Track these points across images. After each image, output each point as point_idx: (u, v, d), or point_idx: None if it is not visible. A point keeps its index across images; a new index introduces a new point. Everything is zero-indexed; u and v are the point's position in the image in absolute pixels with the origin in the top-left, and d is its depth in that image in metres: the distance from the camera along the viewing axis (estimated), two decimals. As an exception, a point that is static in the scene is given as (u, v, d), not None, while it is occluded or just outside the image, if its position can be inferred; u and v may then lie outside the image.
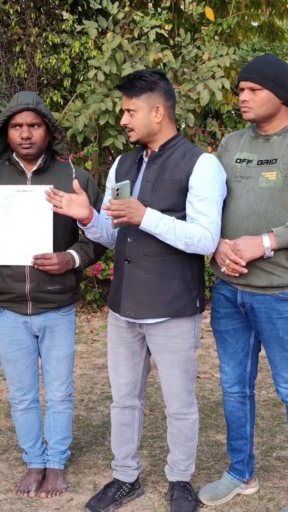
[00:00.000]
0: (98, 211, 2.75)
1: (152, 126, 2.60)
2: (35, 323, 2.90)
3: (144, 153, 2.71)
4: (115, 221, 2.47)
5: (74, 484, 3.12)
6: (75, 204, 2.55)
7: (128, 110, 2.61)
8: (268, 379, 4.47)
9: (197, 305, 2.69)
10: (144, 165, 2.68)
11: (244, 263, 2.54)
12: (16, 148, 2.75)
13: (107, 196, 2.79)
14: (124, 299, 2.67)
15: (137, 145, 2.76)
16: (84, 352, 5.22)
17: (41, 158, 2.81)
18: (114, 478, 3.00)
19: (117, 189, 2.43)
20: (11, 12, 5.94)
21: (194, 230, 2.52)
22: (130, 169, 2.72)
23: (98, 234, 2.68)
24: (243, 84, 2.59)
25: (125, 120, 2.62)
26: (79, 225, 2.67)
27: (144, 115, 2.58)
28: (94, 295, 6.24)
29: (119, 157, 2.86)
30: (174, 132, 2.68)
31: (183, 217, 2.59)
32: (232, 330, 2.80)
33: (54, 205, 2.56)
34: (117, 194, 2.44)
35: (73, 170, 2.89)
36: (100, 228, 2.66)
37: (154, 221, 2.49)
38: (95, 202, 2.89)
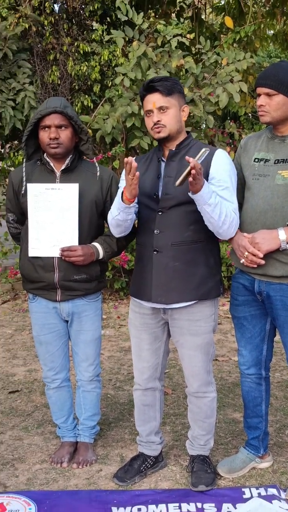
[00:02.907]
0: None
1: (181, 123, 2.63)
2: (64, 309, 2.90)
3: (161, 153, 2.69)
4: (187, 178, 2.36)
5: (103, 456, 3.12)
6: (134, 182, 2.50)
7: (161, 108, 2.57)
8: (282, 362, 4.41)
9: (220, 288, 2.70)
10: (162, 164, 2.66)
11: (261, 255, 2.53)
12: (45, 148, 2.75)
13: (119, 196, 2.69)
14: (155, 287, 2.65)
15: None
16: (112, 336, 5.22)
17: (68, 158, 2.80)
18: (139, 452, 3.00)
19: (203, 153, 2.36)
20: (46, 23, 5.94)
21: (229, 211, 2.51)
22: (149, 168, 2.70)
23: (131, 216, 2.64)
24: (259, 89, 2.57)
25: (157, 117, 2.58)
26: (122, 203, 2.57)
27: (176, 113, 2.59)
28: (121, 284, 6.24)
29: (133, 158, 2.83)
30: (185, 134, 2.70)
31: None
32: (249, 316, 2.78)
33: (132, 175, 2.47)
34: (199, 158, 2.36)
35: (98, 168, 2.88)
36: (134, 212, 2.65)
37: (210, 192, 2.45)
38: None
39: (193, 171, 2.30)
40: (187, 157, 2.31)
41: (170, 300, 2.64)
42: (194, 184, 2.38)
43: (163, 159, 2.66)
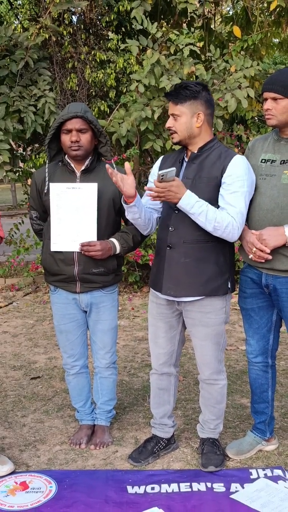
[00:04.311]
0: None
1: (193, 130, 2.58)
2: (83, 300, 2.91)
3: (185, 154, 2.68)
4: (153, 200, 2.52)
5: (119, 439, 3.14)
6: (126, 183, 2.55)
7: (173, 115, 2.59)
8: (287, 351, 4.39)
9: (229, 286, 2.68)
10: (184, 164, 2.66)
11: (268, 251, 2.53)
12: (67, 150, 2.76)
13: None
14: (166, 280, 2.66)
15: (178, 147, 2.74)
16: (126, 326, 5.23)
17: (88, 159, 2.81)
18: (152, 434, 3.00)
19: (162, 175, 2.42)
20: (65, 34, 5.94)
21: (223, 217, 2.49)
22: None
23: (137, 215, 2.65)
24: (266, 94, 2.56)
25: (169, 123, 2.61)
26: (123, 204, 2.64)
27: (186, 120, 2.57)
28: (135, 278, 6.24)
29: (162, 156, 2.83)
30: (211, 136, 2.64)
31: None
32: (257, 308, 2.77)
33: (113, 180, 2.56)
34: (162, 179, 2.43)
35: (116, 170, 2.87)
36: (140, 210, 2.64)
37: (190, 202, 2.48)
38: None
39: (151, 193, 2.48)
40: (128, 171, 2.50)
41: (179, 293, 2.64)
42: (164, 200, 2.51)
43: (186, 160, 2.66)
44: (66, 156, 2.82)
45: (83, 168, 2.81)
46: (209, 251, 2.61)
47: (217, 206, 2.56)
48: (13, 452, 3.01)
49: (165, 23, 6.81)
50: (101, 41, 6.26)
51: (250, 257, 2.62)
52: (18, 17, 7.32)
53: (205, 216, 2.48)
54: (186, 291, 2.63)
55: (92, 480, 2.72)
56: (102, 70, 5.96)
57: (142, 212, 2.66)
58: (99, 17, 6.25)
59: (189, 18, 6.87)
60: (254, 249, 2.56)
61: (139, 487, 2.66)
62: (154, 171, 2.78)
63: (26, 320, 5.52)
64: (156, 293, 2.76)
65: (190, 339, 2.81)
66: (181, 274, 2.62)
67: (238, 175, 2.52)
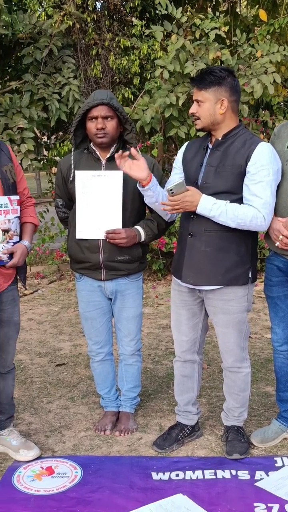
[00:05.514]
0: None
1: (216, 116, 2.55)
2: (108, 287, 2.92)
3: (209, 140, 2.66)
4: (173, 213, 2.60)
5: (143, 425, 3.16)
6: (135, 167, 2.57)
7: (197, 101, 2.57)
8: (312, 339, 4.36)
9: (249, 276, 2.65)
10: (208, 151, 2.63)
11: None
12: (92, 137, 2.76)
13: (174, 175, 2.77)
14: (186, 268, 2.66)
15: (202, 133, 2.72)
16: (150, 314, 5.24)
17: (113, 147, 2.80)
18: (177, 421, 3.01)
19: (171, 189, 2.46)
20: (89, 20, 5.93)
21: (246, 212, 2.47)
22: (196, 155, 2.68)
23: (154, 198, 2.66)
24: None
25: (193, 109, 2.59)
26: (138, 187, 2.66)
27: (210, 106, 2.54)
28: (159, 266, 6.24)
29: (187, 142, 2.81)
30: (236, 123, 2.61)
31: (240, 199, 2.53)
32: (283, 296, 2.75)
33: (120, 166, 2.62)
34: (172, 193, 2.47)
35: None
36: (156, 194, 2.65)
37: (208, 206, 2.49)
38: (160, 184, 2.86)
39: (167, 208, 2.54)
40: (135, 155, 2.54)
41: (198, 282, 2.64)
42: (183, 211, 2.56)
43: (210, 147, 2.64)
44: (91, 143, 2.82)
45: (108, 155, 2.80)
46: (230, 240, 2.58)
47: (240, 194, 2.53)
48: (39, 437, 3.05)
49: (190, 8, 6.72)
50: (125, 27, 6.23)
51: (276, 244, 2.59)
52: (42, 4, 7.31)
53: (225, 216, 2.48)
54: (205, 280, 2.63)
55: (117, 466, 2.75)
56: (126, 56, 5.94)
57: (160, 196, 2.66)
58: (123, 3, 6.22)
59: (214, 2, 6.80)
60: (281, 236, 2.54)
61: (164, 474, 2.68)
62: (179, 158, 2.77)
63: (51, 307, 5.57)
64: (178, 281, 2.76)
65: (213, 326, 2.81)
66: (201, 262, 2.61)
67: (263, 164, 2.48)
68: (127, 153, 2.59)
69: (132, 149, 2.57)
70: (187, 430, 2.97)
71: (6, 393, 2.89)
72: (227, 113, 2.56)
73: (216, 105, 2.53)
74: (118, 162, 2.60)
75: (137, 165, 2.59)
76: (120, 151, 2.61)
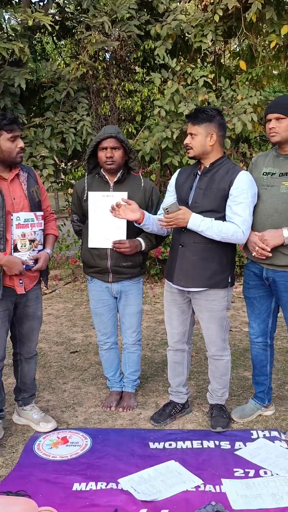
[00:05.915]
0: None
1: (206, 148, 2.57)
2: (114, 288, 2.92)
3: (198, 168, 2.67)
4: (168, 228, 2.59)
5: (142, 403, 3.15)
6: (129, 210, 2.60)
7: (191, 134, 2.57)
8: (282, 333, 4.35)
9: (229, 281, 2.66)
10: (198, 177, 2.64)
11: (269, 249, 2.51)
12: (103, 164, 2.77)
13: (168, 197, 2.76)
14: (177, 273, 2.66)
15: (192, 161, 2.73)
16: (149, 311, 5.23)
17: (120, 172, 2.81)
18: (170, 400, 3.00)
19: (166, 209, 2.47)
20: (99, 68, 5.94)
21: (228, 227, 2.48)
22: (186, 180, 2.69)
23: (150, 229, 2.70)
24: (270, 116, 2.53)
25: (187, 140, 2.60)
26: (135, 224, 2.67)
27: (201, 139, 2.55)
28: (156, 270, 6.23)
29: (179, 169, 2.82)
30: (221, 154, 2.63)
31: (223, 217, 2.54)
32: (258, 297, 2.75)
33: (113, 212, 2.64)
34: (167, 212, 2.47)
35: (142, 180, 2.88)
36: (151, 225, 2.68)
37: (196, 223, 2.49)
38: (157, 204, 2.88)
39: (163, 224, 2.53)
40: (126, 201, 2.58)
41: (187, 284, 2.64)
42: (176, 227, 2.55)
43: (199, 173, 2.65)
44: (101, 169, 2.83)
45: (115, 179, 2.82)
46: (214, 251, 2.59)
47: (223, 213, 2.54)
48: (55, 412, 3.04)
49: (183, 59, 6.76)
50: (129, 74, 6.25)
51: (253, 254, 2.60)
52: (61, 55, 7.37)
53: (211, 230, 2.49)
54: (193, 283, 2.62)
55: (120, 437, 2.74)
56: (130, 98, 5.95)
57: (154, 226, 2.69)
58: (128, 54, 6.24)
59: (202, 54, 6.82)
60: (257, 247, 2.55)
61: (159, 443, 2.67)
62: (172, 182, 2.78)
63: (67, 304, 5.56)
64: (169, 283, 2.76)
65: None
66: (190, 268, 2.61)
67: (243, 188, 2.50)
68: (120, 203, 2.61)
69: (123, 198, 2.61)
70: (178, 407, 2.96)
71: (30, 375, 2.88)
72: (215, 145, 2.57)
73: (207, 138, 2.55)
74: (114, 214, 2.62)
75: (130, 209, 2.60)
76: (116, 202, 2.63)
